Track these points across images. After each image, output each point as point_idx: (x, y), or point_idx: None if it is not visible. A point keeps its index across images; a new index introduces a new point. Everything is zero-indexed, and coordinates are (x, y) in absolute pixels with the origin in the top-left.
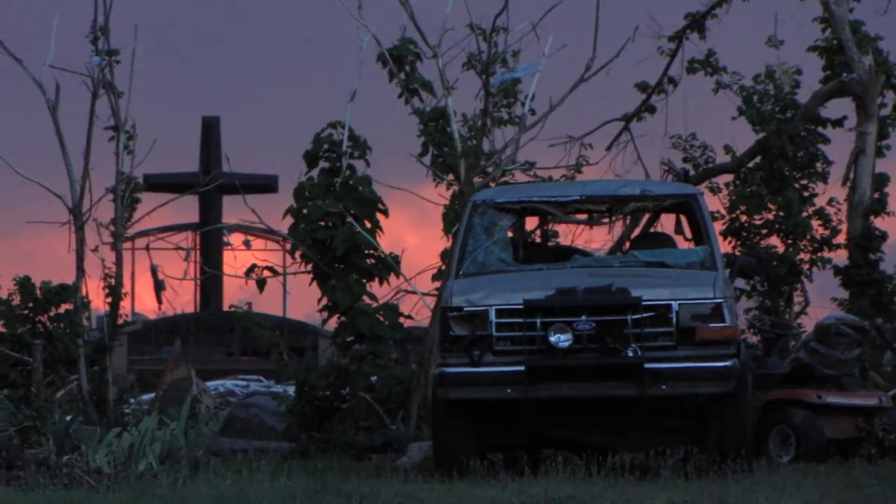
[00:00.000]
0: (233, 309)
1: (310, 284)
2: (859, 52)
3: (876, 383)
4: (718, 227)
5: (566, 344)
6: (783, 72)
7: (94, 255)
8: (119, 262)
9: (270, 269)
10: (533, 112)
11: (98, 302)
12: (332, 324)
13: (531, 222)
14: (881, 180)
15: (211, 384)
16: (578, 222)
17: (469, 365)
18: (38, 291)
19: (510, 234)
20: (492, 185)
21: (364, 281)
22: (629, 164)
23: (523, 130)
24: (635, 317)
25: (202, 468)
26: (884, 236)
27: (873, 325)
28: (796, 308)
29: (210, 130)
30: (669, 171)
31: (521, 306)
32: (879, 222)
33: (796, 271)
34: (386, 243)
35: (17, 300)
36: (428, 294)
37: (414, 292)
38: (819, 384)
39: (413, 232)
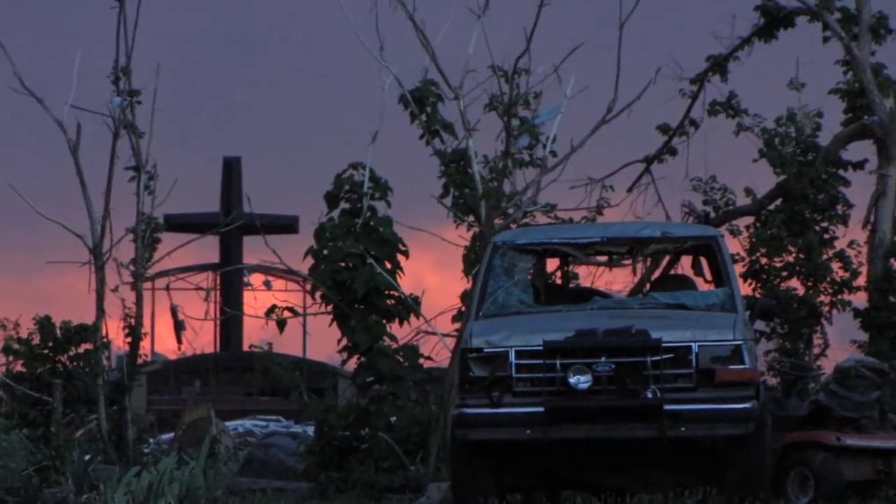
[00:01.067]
0: (253, 349)
1: (330, 325)
2: (881, 95)
3: (895, 425)
4: (739, 269)
5: (586, 385)
6: (804, 114)
7: (115, 295)
8: (139, 302)
9: (291, 309)
10: (554, 154)
11: (118, 342)
12: (352, 364)
13: (552, 264)
14: None
15: (230, 424)
16: (599, 264)
17: (488, 406)
18: (58, 331)
19: (530, 276)
20: (512, 226)
21: (384, 322)
22: (650, 205)
23: (544, 172)
24: (655, 358)
25: None
26: None
27: (893, 368)
28: (816, 350)
29: (231, 171)
30: (690, 213)
31: (540, 348)
32: None
33: (816, 314)
34: (406, 284)
35: (37, 340)
36: (448, 335)
37: (434, 333)
38: (838, 426)
39: (433, 273)
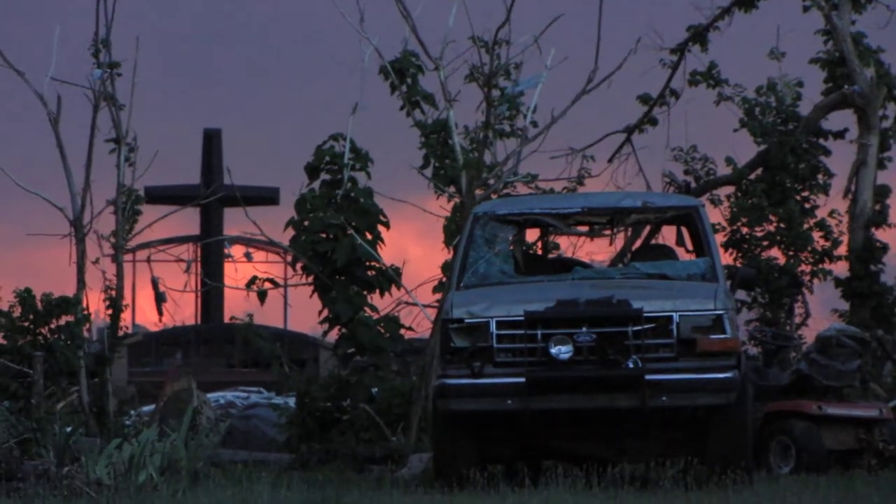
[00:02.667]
0: (234, 321)
1: (311, 296)
2: (861, 65)
3: (876, 394)
4: (720, 238)
5: (567, 356)
6: (785, 84)
7: (95, 268)
8: (120, 275)
9: (271, 281)
10: (535, 124)
11: (99, 314)
12: (333, 335)
13: (532, 234)
14: (882, 192)
15: (212, 396)
16: (580, 234)
17: (470, 376)
18: (38, 304)
19: (511, 246)
20: (493, 197)
21: (365, 293)
22: (631, 176)
23: (525, 142)
24: (636, 328)
25: (202, 479)
26: (885, 248)
27: (874, 337)
28: (797, 319)
29: (211, 142)
30: (671, 183)
31: (521, 318)
32: (880, 234)
33: (797, 283)
34: (388, 255)
35: (17, 312)
36: (429, 306)
37: (415, 304)
38: (819, 395)
39: (415, 244)
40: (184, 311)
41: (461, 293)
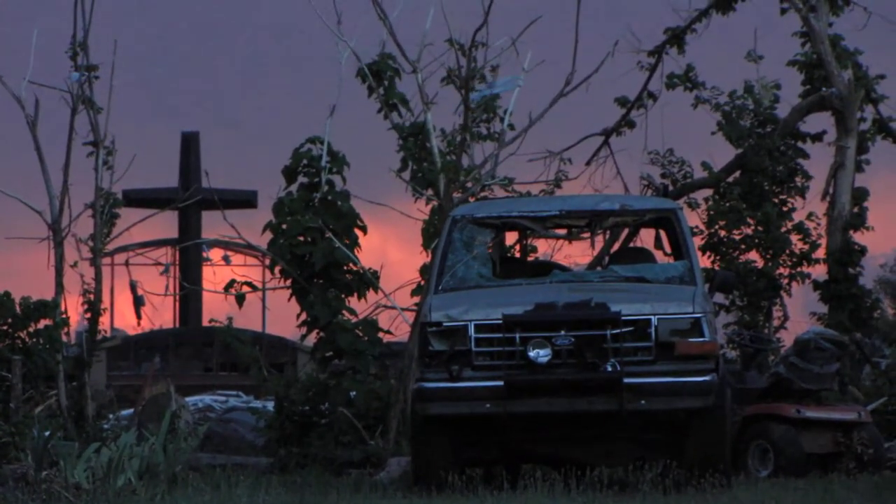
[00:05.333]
0: (212, 324)
1: (289, 300)
2: (839, 67)
3: (855, 398)
4: (697, 241)
5: (545, 359)
6: (762, 86)
7: (74, 271)
8: (98, 278)
9: (249, 284)
10: (512, 127)
11: (77, 317)
12: (312, 339)
13: (510, 237)
14: (860, 195)
15: (190, 399)
16: (558, 237)
17: (448, 380)
18: (17, 307)
19: (489, 250)
20: (471, 200)
21: (343, 296)
22: (609, 178)
23: (503, 146)
24: (614, 331)
25: (181, 483)
26: (863, 251)
27: (852, 340)
28: (775, 323)
29: (189, 146)
30: (649, 186)
31: (500, 321)
32: (858, 237)
33: (775, 286)
34: (365, 258)
35: None
36: (407, 309)
37: (393, 307)
38: (798, 399)
39: (393, 247)
40: (162, 314)
41: (439, 296)
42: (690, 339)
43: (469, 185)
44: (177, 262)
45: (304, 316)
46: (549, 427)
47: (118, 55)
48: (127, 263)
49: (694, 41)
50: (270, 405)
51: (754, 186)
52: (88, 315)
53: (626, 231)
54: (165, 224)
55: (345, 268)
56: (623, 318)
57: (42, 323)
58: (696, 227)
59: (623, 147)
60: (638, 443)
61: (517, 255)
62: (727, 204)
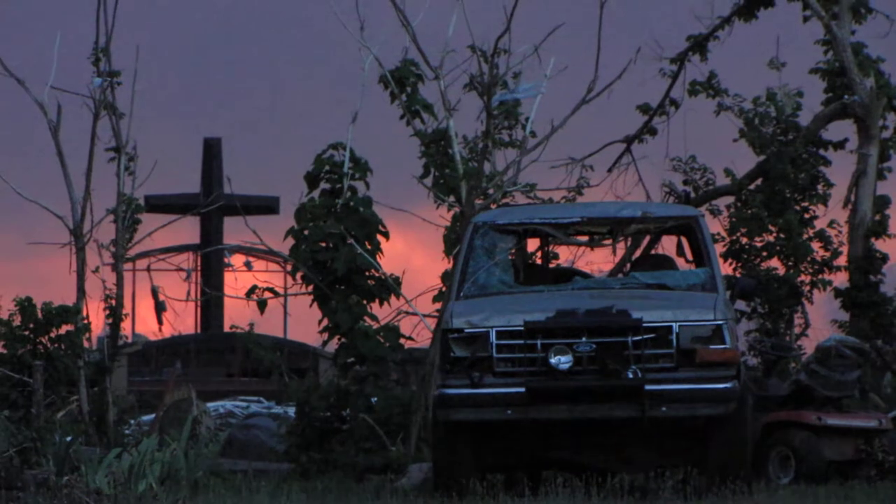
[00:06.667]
0: (234, 330)
1: (310, 306)
2: (861, 75)
3: (876, 405)
4: (719, 249)
5: (567, 365)
6: (784, 94)
7: (95, 277)
8: (120, 283)
9: (271, 290)
10: (534, 134)
11: (99, 323)
12: (333, 345)
13: (532, 244)
14: (882, 202)
15: (211, 405)
16: (579, 244)
17: (469, 386)
18: (39, 313)
19: (511, 256)
20: (493, 206)
21: (365, 302)
22: (630, 186)
23: (525, 152)
24: (636, 338)
25: (202, 489)
26: (884, 258)
27: (873, 347)
28: (797, 330)
29: (211, 151)
30: (670, 193)
31: (521, 328)
32: (880, 244)
33: (797, 293)
34: (389, 265)
35: (17, 321)
36: (429, 315)
37: (415, 314)
38: (819, 406)
39: (415, 253)
40: (184, 320)
41: (461, 303)
42: (712, 347)
43: (491, 191)
44: (199, 268)
45: (325, 322)
46: (570, 433)
47: (140, 61)
48: (149, 269)
49: (716, 48)
50: (292, 411)
51: (776, 194)
52: (110, 320)
53: (647, 238)
54: (187, 230)
55: (367, 274)
56: (644, 324)
57: (64, 328)
58: (718, 234)
59: (645, 154)
60: (659, 449)
61: (539, 261)
62: (749, 211)
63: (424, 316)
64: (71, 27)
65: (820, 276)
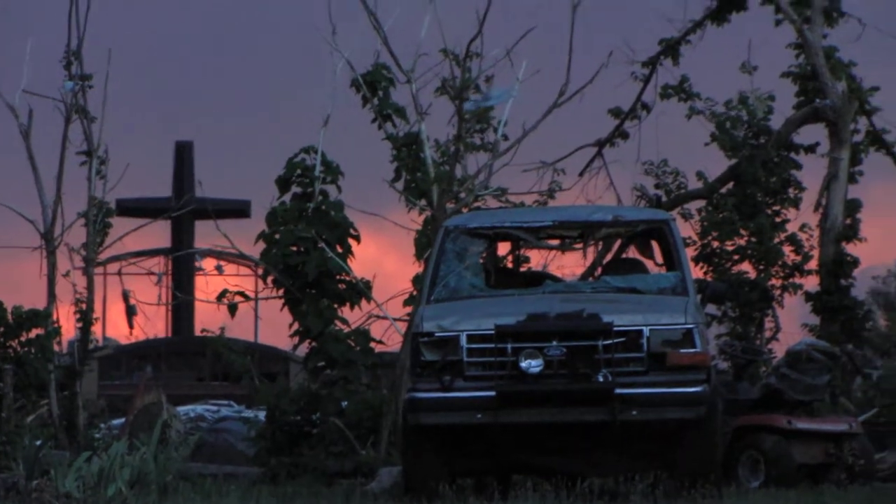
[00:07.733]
0: (204, 334)
1: (281, 309)
2: (832, 78)
3: (846, 409)
4: (690, 252)
5: (537, 369)
6: (756, 98)
7: (66, 280)
8: (90, 287)
9: (242, 294)
10: (506, 138)
11: (69, 327)
12: (304, 349)
13: (503, 248)
14: (853, 206)
15: (181, 409)
16: (551, 248)
17: (440, 390)
18: (9, 316)
19: (482, 260)
20: (464, 210)
21: (335, 306)
22: (602, 189)
23: (496, 156)
24: (606, 342)
25: (171, 493)
26: (855, 262)
27: (844, 351)
28: (767, 334)
29: (183, 155)
30: (642, 196)
31: (492, 332)
32: (851, 248)
33: (768, 297)
34: (362, 269)
35: None
36: (399, 319)
37: (385, 317)
38: (789, 410)
39: (387, 257)
40: (155, 324)
41: (432, 307)
42: (682, 350)
43: (462, 195)
44: (170, 272)
45: (296, 326)
46: (540, 437)
47: (112, 64)
48: (119, 273)
49: (688, 52)
50: (262, 415)
51: (748, 197)
52: (80, 324)
53: (618, 242)
54: (158, 234)
55: (337, 277)
56: (615, 328)
57: (34, 332)
58: (689, 237)
59: (616, 158)
60: (629, 453)
61: (510, 265)
62: (720, 215)
63: (395, 320)
64: (43, 30)
65: (791, 280)
